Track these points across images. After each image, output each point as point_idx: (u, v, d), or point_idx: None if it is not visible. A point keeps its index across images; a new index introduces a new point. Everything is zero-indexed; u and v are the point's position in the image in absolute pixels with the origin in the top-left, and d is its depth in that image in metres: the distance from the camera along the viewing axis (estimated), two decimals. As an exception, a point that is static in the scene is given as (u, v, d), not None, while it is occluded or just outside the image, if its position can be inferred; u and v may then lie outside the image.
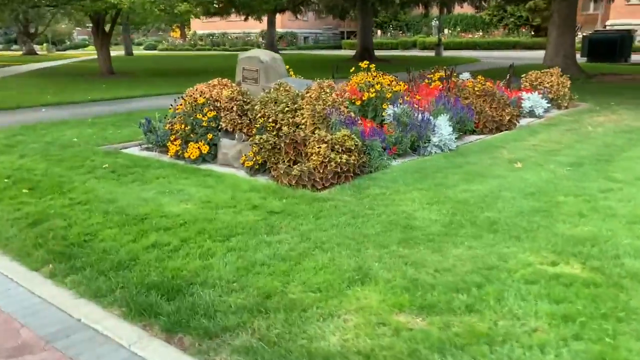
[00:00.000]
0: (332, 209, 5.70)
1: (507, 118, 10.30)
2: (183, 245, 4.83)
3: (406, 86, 9.32)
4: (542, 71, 13.74)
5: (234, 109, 8.17)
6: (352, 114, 7.56)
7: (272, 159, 7.05)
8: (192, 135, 8.05)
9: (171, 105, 8.65)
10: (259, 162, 7.36)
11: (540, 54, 26.95)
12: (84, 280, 4.23)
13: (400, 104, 8.53)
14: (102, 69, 23.23)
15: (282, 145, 6.89)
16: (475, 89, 10.74)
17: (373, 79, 9.03)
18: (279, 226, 5.25)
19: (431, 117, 8.46)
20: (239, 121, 8.12)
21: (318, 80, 7.91)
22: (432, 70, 11.51)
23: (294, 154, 6.86)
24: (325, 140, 6.67)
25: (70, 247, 4.84)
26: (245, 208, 5.76)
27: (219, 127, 8.10)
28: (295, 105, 7.33)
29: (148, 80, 21.08)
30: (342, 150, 6.71)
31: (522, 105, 11.79)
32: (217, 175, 7.06)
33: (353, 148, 6.78)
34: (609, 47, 28.72)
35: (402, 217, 5.41)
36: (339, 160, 6.51)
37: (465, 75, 12.30)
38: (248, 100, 8.27)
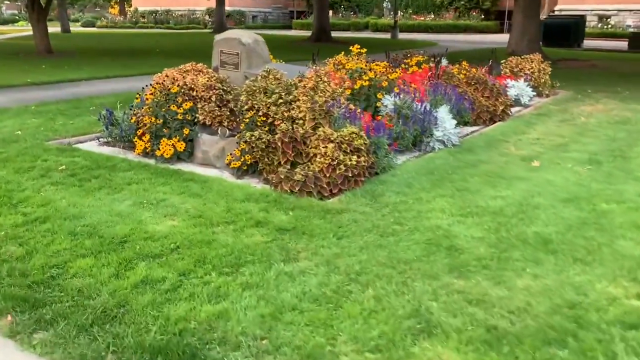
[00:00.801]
0: (352, 224, 4.79)
1: (501, 108, 9.63)
2: (183, 281, 3.81)
3: (401, 73, 8.44)
4: (523, 57, 13.19)
5: (213, 99, 7.07)
6: (352, 107, 6.62)
7: (266, 160, 6.04)
8: (164, 129, 6.90)
9: (138, 94, 7.43)
10: (248, 162, 6.34)
11: (491, 38, 26.80)
12: (58, 340, 3.15)
13: (398, 93, 7.66)
14: (39, 47, 21.19)
15: (279, 144, 5.89)
16: (463, 75, 10.01)
17: (365, 65, 8.11)
18: (295, 250, 4.30)
19: (432, 109, 7.64)
20: (219, 113, 7.04)
21: (313, 67, 6.90)
22: (408, 55, 10.71)
23: (293, 154, 5.88)
24: (332, 138, 5.72)
25: (33, 287, 3.73)
26: (247, 225, 4.76)
27: (195, 120, 6.99)
28: (290, 97, 6.32)
29: (93, 61, 19.33)
30: (350, 150, 5.78)
31: (508, 93, 11.18)
32: (201, 180, 5.99)
33: (362, 148, 5.87)
34: (564, 32, 28.81)
35: (440, 235, 4.57)
36: (349, 163, 5.58)
37: (443, 62, 11.54)
38: (228, 89, 7.18)
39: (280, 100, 6.31)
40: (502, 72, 12.81)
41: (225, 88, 7.18)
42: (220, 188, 5.72)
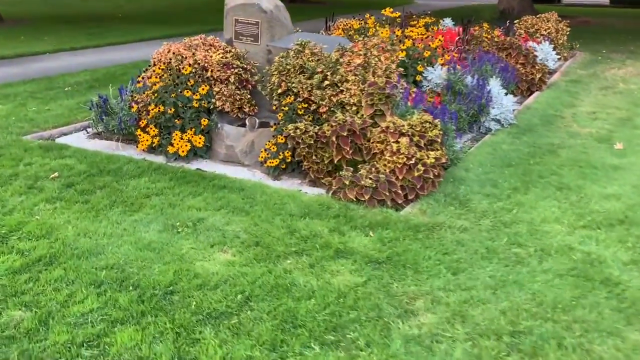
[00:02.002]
0: (459, 249, 3.72)
1: (539, 76, 8.61)
2: (279, 363, 2.69)
3: (442, 40, 7.27)
4: (538, 16, 12.16)
5: (232, 79, 5.80)
6: (409, 86, 5.46)
7: (313, 158, 4.87)
8: (175, 120, 5.61)
9: (141, 76, 6.04)
10: (288, 160, 5.16)
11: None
12: None
13: (449, 64, 6.53)
14: (-13, 14, 18.95)
15: (333, 138, 4.71)
16: (495, 40, 8.92)
17: (401, 32, 6.92)
18: (406, 296, 3.23)
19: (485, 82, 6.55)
20: (239, 97, 5.78)
21: (360, 39, 5.67)
22: (413, 17, 9.50)
23: (351, 150, 4.72)
24: (404, 130, 4.58)
25: (63, 386, 2.55)
26: (325, 256, 3.64)
27: (211, 107, 5.72)
28: (337, 77, 5.11)
29: (52, 30, 17.34)
30: (424, 144, 4.66)
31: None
32: (236, 186, 4.79)
33: (438, 139, 4.75)
34: (543, -14, 27.88)
35: (581, 261, 3.55)
36: (428, 161, 4.47)
37: (448, 22, 10.34)
38: (248, 67, 5.91)
39: (326, 82, 5.09)
40: (517, 33, 11.79)
41: (244, 66, 5.91)
42: (266, 198, 4.53)
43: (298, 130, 4.83)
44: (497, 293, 3.23)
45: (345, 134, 4.63)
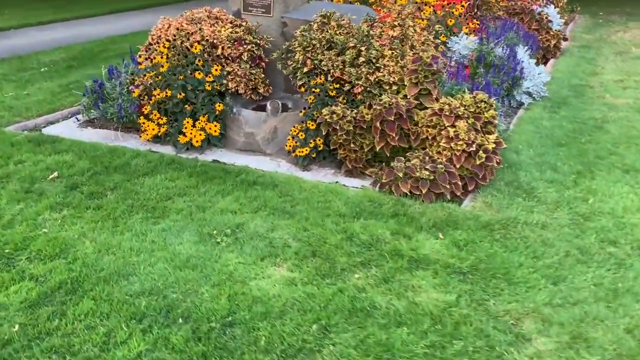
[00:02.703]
0: (549, 251, 3.27)
1: (554, 42, 8.15)
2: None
3: (463, 8, 6.70)
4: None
5: (245, 57, 5.16)
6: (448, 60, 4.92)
7: (351, 146, 4.32)
8: (186, 106, 4.95)
9: (140, 55, 5.31)
10: (320, 148, 4.59)
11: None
12: None
13: (478, 33, 6.00)
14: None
15: (377, 124, 4.16)
16: (503, 4, 8.40)
17: None
18: (510, 316, 2.75)
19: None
20: (253, 77, 5.15)
21: (392, 6, 5.05)
22: None
23: (397, 137, 4.18)
24: (460, 112, 4.05)
25: None
26: (397, 267, 3.13)
27: (222, 90, 5.06)
28: (372, 52, 4.52)
29: (12, 3, 16.06)
30: (480, 126, 4.15)
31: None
32: (268, 182, 4.22)
33: (494, 121, 4.25)
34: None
35: (689, 261, 3.13)
36: (489, 146, 3.97)
37: None
38: (261, 43, 5.26)
39: (362, 59, 4.50)
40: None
41: (257, 41, 5.26)
42: (306, 195, 3.98)
43: (334, 115, 4.26)
44: (612, 306, 2.79)
45: (392, 118, 4.07)
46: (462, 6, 6.54)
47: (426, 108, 4.31)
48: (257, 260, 3.22)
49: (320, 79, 4.55)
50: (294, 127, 4.80)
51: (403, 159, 3.99)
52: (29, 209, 3.85)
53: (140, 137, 5.15)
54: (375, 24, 4.92)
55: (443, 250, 3.29)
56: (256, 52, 5.25)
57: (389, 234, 3.45)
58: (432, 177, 3.83)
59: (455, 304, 2.83)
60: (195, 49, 4.94)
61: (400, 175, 3.87)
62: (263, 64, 5.32)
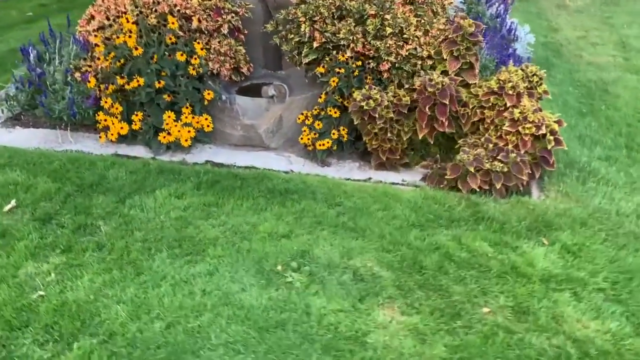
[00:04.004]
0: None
1: (503, -2, 7.87)
2: None
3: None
4: None
5: (224, 30, 4.23)
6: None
7: (388, 135, 3.67)
8: (164, 96, 3.95)
9: (95, 35, 4.11)
10: (345, 139, 3.88)
11: None
12: None
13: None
14: None
15: (423, 107, 3.53)
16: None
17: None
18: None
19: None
20: (232, 55, 4.25)
21: None
22: None
23: (447, 122, 3.58)
24: (520, 89, 3.52)
25: None
26: (527, 291, 2.60)
27: (203, 71, 4.11)
28: (398, 21, 3.81)
29: None
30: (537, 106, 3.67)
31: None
32: (300, 187, 3.46)
33: (548, 96, 3.79)
34: None
35: None
36: (555, 127, 3.51)
37: None
38: (240, 12, 4.35)
39: (388, 30, 3.78)
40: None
41: (236, 10, 4.33)
42: (360, 203, 3.28)
43: (371, 101, 3.55)
44: None
45: (447, 101, 3.45)
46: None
47: (468, 85, 3.75)
48: (355, 303, 2.52)
49: (343, 55, 3.78)
50: (303, 114, 4.02)
51: (468, 149, 3.41)
52: (11, 258, 2.78)
53: (100, 137, 4.07)
54: (383, -14, 4.20)
55: (560, 260, 2.80)
56: (234, 23, 4.32)
57: (487, 246, 2.89)
58: (506, 170, 3.30)
59: (623, 333, 2.36)
60: (173, 24, 3.91)
61: (472, 169, 3.29)
62: (242, 36, 4.41)
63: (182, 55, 3.88)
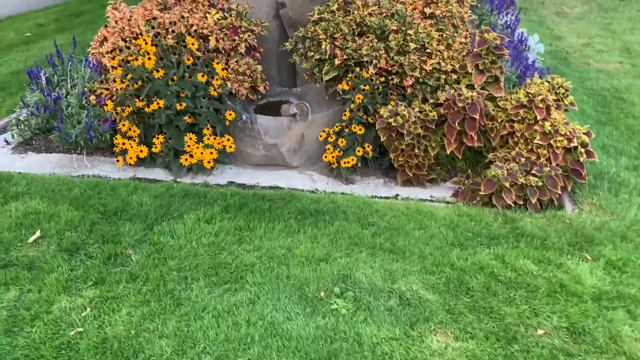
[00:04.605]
0: None
1: (504, 7, 7.89)
2: None
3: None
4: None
5: (242, 49, 4.16)
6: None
7: (415, 151, 3.62)
8: (185, 118, 3.87)
9: (113, 57, 4.02)
10: (369, 156, 3.82)
11: None
12: None
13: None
14: None
15: (451, 122, 3.48)
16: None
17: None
18: None
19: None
20: (250, 73, 4.19)
21: None
22: None
23: (475, 137, 3.54)
24: (549, 101, 3.49)
25: None
26: (580, 310, 2.55)
27: (221, 93, 4.02)
28: (422, 35, 3.77)
29: None
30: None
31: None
32: (330, 208, 3.39)
33: (575, 108, 3.76)
34: None
35: None
36: (585, 139, 3.47)
37: None
38: (256, 30, 4.29)
39: (412, 45, 3.74)
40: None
41: (252, 28, 4.27)
42: (395, 222, 3.22)
43: (399, 118, 3.50)
44: None
45: (477, 115, 3.41)
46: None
47: (494, 98, 3.71)
48: (407, 330, 2.45)
49: (368, 72, 3.73)
50: (325, 131, 3.96)
51: (501, 164, 3.36)
52: (29, 295, 2.68)
53: (118, 161, 3.98)
54: (399, 0, 4.16)
55: (606, 276, 2.75)
56: (250, 41, 4.26)
57: (532, 264, 2.84)
58: (540, 183, 3.25)
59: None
60: (192, 45, 3.83)
61: (507, 184, 3.24)
62: (258, 55, 4.35)
63: (202, 76, 3.80)
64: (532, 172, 3.28)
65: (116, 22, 4.17)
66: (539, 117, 3.42)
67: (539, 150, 3.41)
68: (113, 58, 3.89)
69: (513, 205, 3.30)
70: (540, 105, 3.41)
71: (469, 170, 3.62)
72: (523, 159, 3.38)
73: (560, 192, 3.31)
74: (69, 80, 4.38)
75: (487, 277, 2.74)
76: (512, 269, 2.80)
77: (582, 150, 3.38)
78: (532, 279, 2.73)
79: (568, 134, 3.34)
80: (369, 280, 2.74)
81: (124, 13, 4.22)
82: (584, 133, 3.48)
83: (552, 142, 3.35)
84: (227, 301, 2.62)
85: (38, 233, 3.16)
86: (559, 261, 2.86)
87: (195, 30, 4.03)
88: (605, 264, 2.83)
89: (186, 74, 3.85)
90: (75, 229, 3.20)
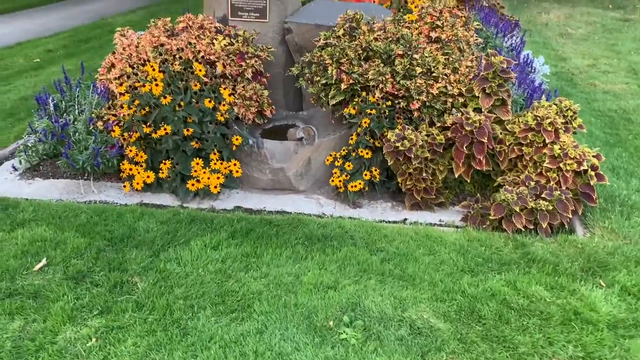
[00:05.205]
0: None
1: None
2: None
3: None
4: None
5: (247, 75, 4.17)
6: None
7: (423, 175, 3.59)
8: (192, 143, 3.86)
9: (120, 83, 4.04)
10: (377, 179, 3.80)
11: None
12: None
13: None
14: None
15: (460, 146, 3.46)
16: None
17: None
18: None
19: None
20: (257, 98, 4.19)
21: (422, 3, 4.29)
22: None
23: (483, 161, 3.51)
24: (558, 124, 3.46)
25: None
26: (596, 338, 2.49)
27: (227, 118, 4.02)
28: (428, 60, 3.77)
29: None
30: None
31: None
32: (337, 233, 3.35)
33: (583, 130, 3.73)
34: None
35: None
36: (595, 162, 3.44)
37: None
38: (262, 55, 4.30)
39: (418, 69, 3.74)
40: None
41: (259, 54, 4.29)
42: (403, 247, 3.18)
43: (406, 142, 3.48)
44: None
45: (485, 139, 3.39)
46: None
47: (501, 121, 3.69)
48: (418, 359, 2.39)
49: (374, 96, 3.72)
50: (332, 155, 3.95)
51: (510, 188, 3.32)
52: (34, 325, 2.64)
53: (124, 186, 3.97)
54: (403, 24, 4.18)
55: (622, 304, 2.70)
56: (257, 67, 4.27)
57: (544, 290, 2.78)
58: (551, 207, 3.21)
59: None
60: (200, 71, 3.85)
61: (517, 209, 3.20)
62: (264, 80, 4.36)
63: (210, 101, 3.81)
64: (542, 195, 3.24)
65: (124, 48, 4.20)
66: (547, 140, 3.39)
67: (548, 173, 3.37)
68: (121, 84, 3.90)
69: (523, 229, 3.25)
70: (549, 129, 3.39)
71: (478, 194, 3.59)
72: (532, 183, 3.35)
73: (571, 216, 3.26)
74: (76, 106, 4.40)
75: (499, 305, 2.69)
76: (524, 296, 2.75)
77: (592, 173, 3.34)
78: (546, 306, 2.68)
79: (578, 157, 3.31)
80: (378, 309, 2.69)
81: (132, 40, 4.25)
82: (593, 156, 3.45)
83: (561, 165, 3.32)
84: (234, 331, 2.58)
85: (44, 261, 3.14)
86: (572, 287, 2.80)
87: (203, 57, 4.05)
88: (620, 290, 2.78)
89: (193, 100, 3.86)
90: (81, 256, 3.17)
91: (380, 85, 3.75)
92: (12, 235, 3.37)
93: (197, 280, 2.94)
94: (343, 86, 3.84)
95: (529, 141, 3.47)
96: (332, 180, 3.84)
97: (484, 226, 3.37)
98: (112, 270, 3.04)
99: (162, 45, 4.11)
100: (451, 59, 3.83)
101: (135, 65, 3.99)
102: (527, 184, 3.35)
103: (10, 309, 2.75)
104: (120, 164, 3.97)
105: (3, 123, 5.25)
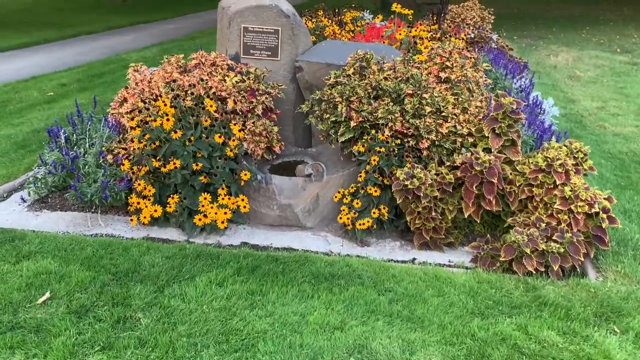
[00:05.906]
0: None
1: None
2: None
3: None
4: (460, 5, 11.74)
5: (258, 111, 4.20)
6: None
7: (432, 214, 3.55)
8: (200, 178, 3.86)
9: (132, 117, 4.08)
10: (385, 217, 3.76)
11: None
12: None
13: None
14: None
15: (469, 186, 3.43)
16: (462, 35, 8.15)
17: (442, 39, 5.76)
18: None
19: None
20: (266, 134, 4.21)
21: (432, 44, 4.34)
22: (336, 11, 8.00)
23: (493, 201, 3.48)
24: (569, 166, 3.44)
25: None
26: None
27: (237, 154, 4.04)
28: (437, 99, 3.79)
29: None
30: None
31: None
32: (344, 272, 3.30)
33: (594, 172, 3.70)
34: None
35: None
36: (606, 204, 3.40)
37: (367, 16, 9.24)
38: (273, 93, 4.34)
39: (427, 108, 3.75)
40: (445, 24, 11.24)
41: (269, 91, 4.32)
42: (412, 288, 3.12)
43: (415, 180, 3.46)
44: None
45: (495, 180, 3.36)
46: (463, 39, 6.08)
47: (511, 162, 3.67)
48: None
49: (384, 134, 3.72)
50: (340, 192, 3.93)
51: (520, 229, 3.28)
52: (34, 360, 2.59)
53: (132, 220, 3.96)
54: (414, 65, 4.22)
55: (637, 351, 2.62)
56: (267, 103, 4.31)
57: (556, 335, 2.71)
58: (562, 250, 3.16)
59: None
60: (211, 107, 3.88)
61: (528, 250, 3.15)
62: (274, 116, 4.39)
63: (220, 137, 3.82)
64: (554, 238, 3.19)
65: (137, 83, 4.25)
66: (558, 182, 3.36)
67: (559, 215, 3.33)
68: (132, 118, 3.94)
69: (534, 272, 3.20)
70: (559, 170, 3.37)
71: (488, 235, 3.54)
72: (543, 224, 3.30)
73: (583, 259, 3.20)
74: (87, 140, 4.43)
75: (510, 349, 2.62)
76: (536, 341, 2.67)
77: (604, 215, 3.30)
78: (558, 352, 2.60)
79: (589, 199, 3.27)
80: (386, 351, 2.63)
81: (145, 75, 4.31)
82: (605, 198, 3.41)
83: (572, 207, 3.28)
84: (237, 371, 2.51)
85: (48, 294, 3.11)
86: (585, 333, 2.73)
87: (214, 93, 4.09)
88: (635, 337, 2.70)
89: (203, 135, 3.88)
90: (85, 290, 3.14)
91: (390, 124, 3.76)
92: (17, 267, 3.35)
93: (201, 317, 2.89)
94: (352, 124, 3.85)
95: (539, 182, 3.44)
96: (340, 218, 3.81)
97: (494, 268, 3.31)
98: (115, 305, 2.99)
99: (174, 81, 4.16)
100: (460, 99, 3.84)
101: (147, 100, 4.04)
102: (537, 225, 3.30)
103: (11, 343, 2.70)
104: (128, 197, 3.97)
105: (14, 155, 5.29)
